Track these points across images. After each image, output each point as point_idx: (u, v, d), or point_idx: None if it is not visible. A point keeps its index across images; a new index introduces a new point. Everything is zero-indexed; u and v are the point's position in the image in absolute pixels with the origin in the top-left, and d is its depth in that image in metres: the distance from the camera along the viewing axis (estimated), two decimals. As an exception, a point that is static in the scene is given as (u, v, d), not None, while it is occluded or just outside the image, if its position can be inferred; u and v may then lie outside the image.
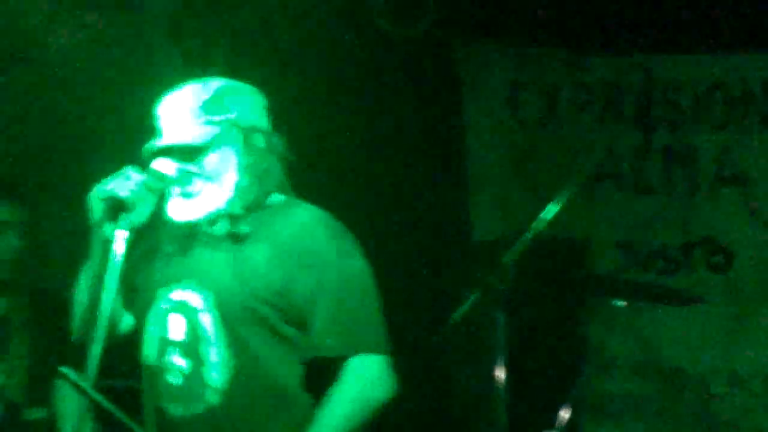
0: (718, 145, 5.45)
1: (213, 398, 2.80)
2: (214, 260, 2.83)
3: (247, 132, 2.84)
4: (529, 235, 4.22)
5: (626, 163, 5.58)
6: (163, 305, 2.91)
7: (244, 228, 2.82)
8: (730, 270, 5.40)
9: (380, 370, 2.80)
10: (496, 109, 5.68)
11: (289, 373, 2.82)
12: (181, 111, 2.81)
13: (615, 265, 5.51)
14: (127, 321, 3.04)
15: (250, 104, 2.87)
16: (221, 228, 2.84)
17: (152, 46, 5.92)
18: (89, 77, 6.08)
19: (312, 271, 2.74)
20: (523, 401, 4.07)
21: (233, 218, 2.82)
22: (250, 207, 2.83)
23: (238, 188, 2.81)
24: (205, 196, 2.80)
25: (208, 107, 2.81)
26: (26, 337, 4.13)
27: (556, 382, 5.11)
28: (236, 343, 2.78)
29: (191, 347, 2.83)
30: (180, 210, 2.81)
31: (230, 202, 2.81)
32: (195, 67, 5.60)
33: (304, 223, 2.80)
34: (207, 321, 2.82)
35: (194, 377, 2.82)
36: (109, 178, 2.78)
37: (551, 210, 4.26)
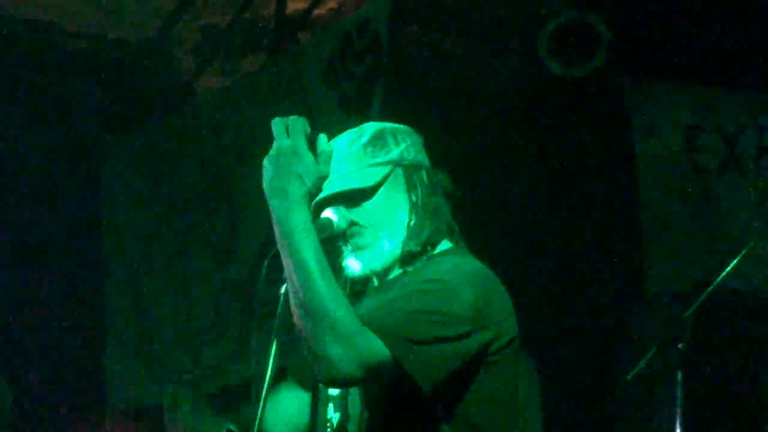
0: None
1: None
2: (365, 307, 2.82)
3: (412, 170, 2.88)
4: (709, 289, 4.23)
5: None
6: None
7: (410, 268, 2.83)
8: None
9: (369, 336, 2.53)
10: (671, 155, 5.64)
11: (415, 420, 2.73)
12: (342, 158, 2.86)
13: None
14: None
15: (409, 142, 2.92)
16: (396, 271, 2.87)
17: (307, 90, 6.10)
18: (242, 121, 6.32)
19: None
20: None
21: (406, 261, 2.85)
22: (425, 246, 2.85)
23: (411, 228, 2.84)
24: (380, 244, 2.84)
25: (368, 150, 2.87)
26: None
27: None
28: (366, 392, 2.79)
29: (340, 400, 2.88)
30: (356, 264, 2.85)
31: (405, 243, 2.84)
32: (351, 110, 5.78)
33: (434, 264, 2.78)
34: None
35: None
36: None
37: (733, 262, 4.26)
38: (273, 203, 2.64)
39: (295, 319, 2.60)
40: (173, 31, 6.45)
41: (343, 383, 2.65)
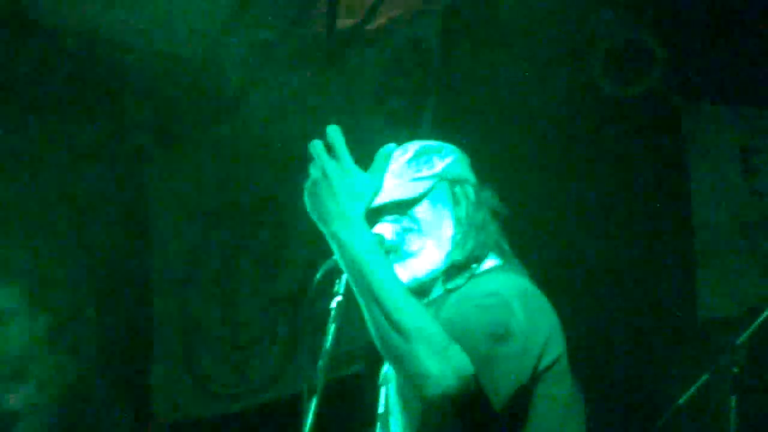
0: None
1: None
2: None
3: (456, 184, 2.91)
4: (764, 315, 4.18)
5: None
6: (380, 379, 2.99)
7: (451, 285, 2.83)
8: None
9: (458, 349, 2.48)
10: (727, 176, 5.58)
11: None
12: (386, 173, 2.81)
13: None
14: None
15: (454, 159, 2.95)
16: (439, 289, 2.87)
17: (356, 105, 6.11)
18: (290, 135, 6.32)
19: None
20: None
21: (450, 274, 2.85)
22: (469, 260, 2.84)
23: (455, 241, 2.85)
24: (425, 253, 2.84)
25: (412, 165, 2.90)
26: None
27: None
28: (406, 410, 2.78)
29: (384, 419, 2.89)
30: (402, 273, 2.81)
31: (449, 255, 2.84)
32: (400, 125, 5.78)
33: (481, 282, 2.77)
34: (391, 390, 2.86)
35: None
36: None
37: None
38: (333, 228, 2.51)
39: (384, 344, 2.50)
40: (224, 44, 6.47)
41: (444, 398, 2.49)
